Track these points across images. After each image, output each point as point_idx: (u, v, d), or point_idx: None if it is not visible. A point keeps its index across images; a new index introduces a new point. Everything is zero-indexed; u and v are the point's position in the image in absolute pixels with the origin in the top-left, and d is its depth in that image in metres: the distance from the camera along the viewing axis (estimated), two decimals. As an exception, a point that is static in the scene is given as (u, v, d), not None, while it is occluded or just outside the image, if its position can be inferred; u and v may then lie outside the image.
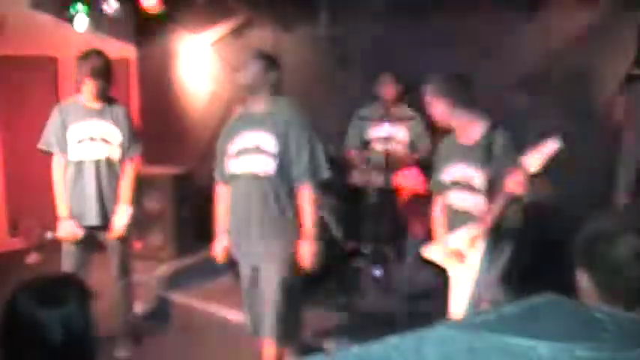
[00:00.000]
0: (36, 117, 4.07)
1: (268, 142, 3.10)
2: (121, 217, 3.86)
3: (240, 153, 3.19)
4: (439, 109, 2.98)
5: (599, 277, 1.38)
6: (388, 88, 4.92)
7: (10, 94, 5.48)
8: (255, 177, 3.12)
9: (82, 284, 1.66)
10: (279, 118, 3.13)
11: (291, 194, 3.15)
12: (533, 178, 2.52)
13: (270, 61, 3.20)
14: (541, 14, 4.49)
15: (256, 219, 3.15)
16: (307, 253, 3.15)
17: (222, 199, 3.39)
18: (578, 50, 4.35)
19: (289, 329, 3.23)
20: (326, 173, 3.18)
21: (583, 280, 1.42)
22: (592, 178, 4.15)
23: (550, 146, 2.47)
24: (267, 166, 3.09)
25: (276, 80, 3.17)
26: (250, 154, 3.14)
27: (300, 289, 3.29)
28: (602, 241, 1.40)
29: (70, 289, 1.57)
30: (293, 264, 3.17)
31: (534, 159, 2.48)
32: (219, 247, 3.39)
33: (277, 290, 3.13)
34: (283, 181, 3.12)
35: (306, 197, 3.14)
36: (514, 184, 2.56)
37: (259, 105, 3.19)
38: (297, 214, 3.17)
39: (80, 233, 3.78)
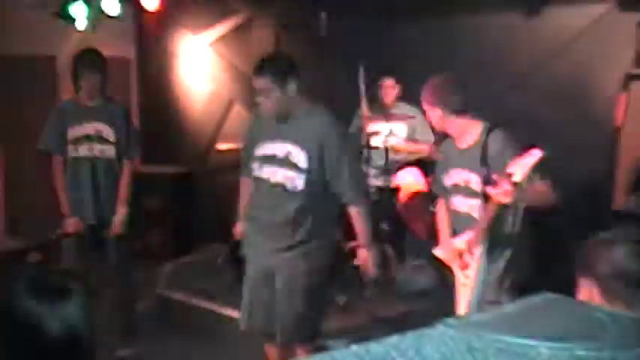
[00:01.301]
0: (36, 116, 4.07)
1: (299, 155, 2.97)
2: (119, 216, 3.87)
3: (267, 159, 3.07)
4: (434, 117, 2.99)
5: (600, 281, 1.38)
6: (388, 88, 4.93)
7: (10, 94, 5.47)
8: (283, 188, 3.03)
9: (83, 280, 1.66)
10: (313, 130, 2.98)
11: (321, 209, 3.07)
12: (519, 187, 2.53)
13: (283, 70, 2.98)
14: (541, 14, 4.49)
15: (278, 228, 3.08)
16: (368, 261, 3.14)
17: (245, 192, 3.33)
18: (578, 50, 4.35)
19: (306, 332, 3.19)
20: (365, 188, 3.15)
21: (584, 287, 1.42)
22: (592, 178, 4.15)
23: (534, 155, 2.48)
24: (296, 181, 2.99)
25: (298, 84, 3.00)
26: (279, 164, 3.03)
27: (324, 292, 3.28)
28: (602, 246, 1.41)
29: (70, 285, 1.56)
30: (316, 270, 3.11)
31: (518, 168, 2.50)
32: (239, 232, 3.36)
33: (296, 297, 3.09)
34: (314, 196, 3.02)
35: (355, 216, 3.08)
36: (500, 193, 2.57)
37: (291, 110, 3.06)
38: (323, 229, 3.12)
39: (83, 228, 3.81)
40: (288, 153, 3.00)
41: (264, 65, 2.99)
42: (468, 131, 2.94)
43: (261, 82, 2.95)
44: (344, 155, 3.00)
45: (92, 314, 1.57)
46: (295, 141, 2.99)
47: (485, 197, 2.77)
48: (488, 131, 2.89)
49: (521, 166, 2.49)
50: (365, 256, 3.15)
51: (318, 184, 3.01)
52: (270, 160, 3.07)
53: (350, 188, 3.03)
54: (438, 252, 3.16)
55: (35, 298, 1.49)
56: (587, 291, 1.42)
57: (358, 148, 4.72)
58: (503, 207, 2.71)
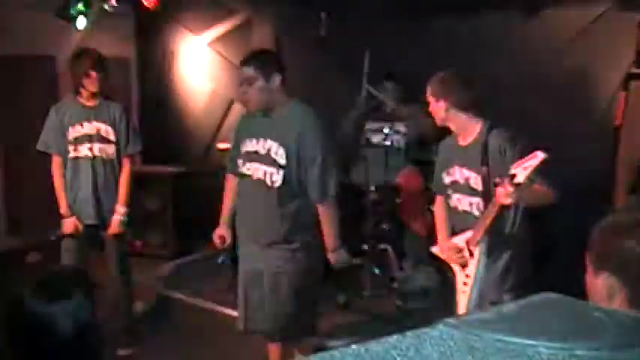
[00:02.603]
0: (36, 116, 4.07)
1: (279, 152, 3.02)
2: (118, 215, 3.87)
3: (251, 156, 3.13)
4: (437, 110, 2.97)
5: (627, 275, 1.27)
6: (387, 89, 4.93)
7: (10, 94, 5.47)
8: (263, 184, 3.07)
9: (86, 277, 1.67)
10: (293, 127, 3.03)
11: (300, 205, 3.09)
12: (521, 188, 2.52)
13: (268, 62, 3.09)
14: (541, 14, 4.49)
15: (261, 225, 3.13)
16: (335, 262, 3.22)
17: (230, 190, 3.38)
18: (578, 50, 4.35)
19: (297, 330, 3.21)
20: (334, 190, 3.10)
21: (600, 280, 1.32)
22: (592, 178, 4.15)
23: (537, 158, 2.48)
24: (275, 176, 3.04)
25: (281, 80, 3.06)
26: (261, 160, 3.08)
27: (313, 292, 3.28)
28: (627, 237, 1.30)
29: (75, 283, 1.57)
30: (302, 270, 3.13)
31: (521, 170, 2.49)
32: (217, 236, 3.41)
33: (282, 297, 3.12)
34: (292, 192, 3.06)
35: (323, 214, 3.11)
36: (502, 195, 2.56)
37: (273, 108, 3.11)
38: (307, 228, 3.14)
39: (81, 228, 3.82)
40: (269, 149, 3.06)
41: (250, 56, 3.14)
42: (469, 128, 2.93)
43: (246, 71, 3.06)
44: (318, 155, 3.03)
45: (96, 310, 1.58)
46: (276, 137, 3.04)
47: (485, 195, 2.77)
48: (490, 129, 2.88)
49: (525, 168, 2.48)
50: (334, 260, 3.21)
51: (295, 181, 3.05)
52: (253, 156, 3.12)
53: (316, 188, 3.06)
54: (436, 250, 3.16)
55: (43, 298, 1.50)
56: (608, 287, 1.31)
57: (348, 150, 4.71)
58: (505, 207, 2.70)
